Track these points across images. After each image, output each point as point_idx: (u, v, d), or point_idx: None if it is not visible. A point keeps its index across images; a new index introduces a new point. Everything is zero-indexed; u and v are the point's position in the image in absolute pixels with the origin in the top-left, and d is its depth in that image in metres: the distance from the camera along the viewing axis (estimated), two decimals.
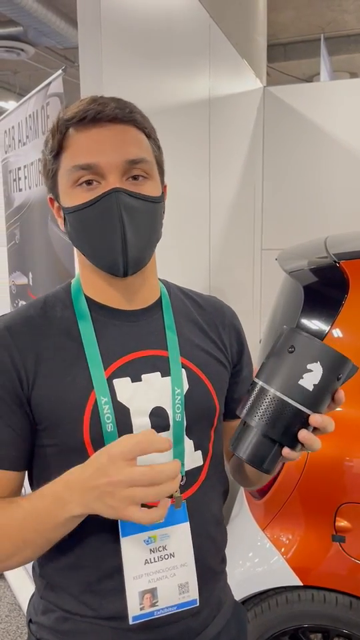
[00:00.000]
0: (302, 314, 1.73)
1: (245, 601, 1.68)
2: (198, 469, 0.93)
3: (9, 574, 2.65)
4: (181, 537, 0.88)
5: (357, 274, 1.71)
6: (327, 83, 3.91)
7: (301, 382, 0.74)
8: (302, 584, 1.60)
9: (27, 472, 0.92)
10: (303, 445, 0.77)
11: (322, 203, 3.30)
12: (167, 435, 0.90)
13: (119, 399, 0.86)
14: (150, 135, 0.90)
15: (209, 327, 1.01)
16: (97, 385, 0.85)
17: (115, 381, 0.87)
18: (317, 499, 1.62)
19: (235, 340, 1.04)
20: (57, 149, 0.87)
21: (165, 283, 1.03)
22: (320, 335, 1.67)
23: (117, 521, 0.85)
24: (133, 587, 0.84)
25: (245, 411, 0.79)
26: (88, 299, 0.93)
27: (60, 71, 1.73)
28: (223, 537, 1.02)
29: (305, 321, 1.73)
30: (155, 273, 0.99)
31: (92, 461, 0.76)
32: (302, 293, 1.76)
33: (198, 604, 0.89)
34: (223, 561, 1.02)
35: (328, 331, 1.67)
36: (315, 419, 0.75)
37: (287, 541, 1.65)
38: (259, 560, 1.67)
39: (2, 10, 5.45)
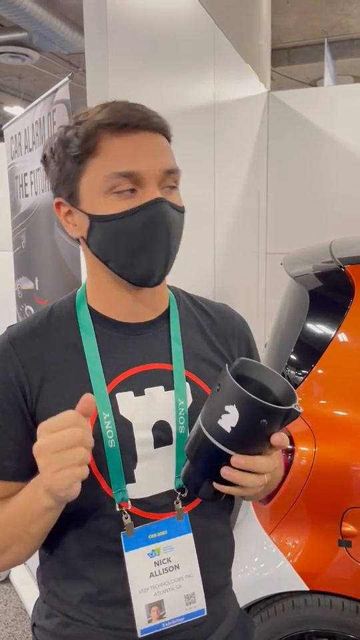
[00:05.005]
0: (307, 318, 1.73)
1: (251, 606, 1.68)
2: None
3: (14, 578, 2.65)
4: (184, 548, 0.88)
5: None
6: (331, 88, 3.92)
7: (219, 422, 0.72)
8: (308, 589, 1.60)
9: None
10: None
11: (327, 206, 3.31)
12: (170, 449, 0.89)
13: (121, 413, 0.86)
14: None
15: (217, 337, 0.99)
16: (99, 401, 0.84)
17: (118, 395, 0.87)
18: (323, 503, 1.62)
19: (244, 350, 1.01)
20: (85, 152, 0.82)
21: (174, 290, 1.01)
22: (325, 340, 1.68)
23: (120, 534, 0.85)
24: (140, 600, 0.84)
25: (186, 442, 0.80)
26: (92, 311, 0.91)
27: (66, 78, 1.74)
28: (228, 551, 0.99)
29: (311, 326, 1.73)
30: (165, 282, 0.96)
31: None
32: (307, 298, 1.76)
33: (205, 613, 0.89)
34: (228, 574, 1.00)
35: (333, 336, 1.67)
36: (236, 460, 0.73)
37: (293, 546, 1.65)
38: (265, 565, 1.67)
39: (7, 15, 5.48)
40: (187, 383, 0.91)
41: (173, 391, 0.90)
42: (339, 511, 1.58)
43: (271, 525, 1.69)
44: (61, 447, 0.70)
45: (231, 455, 0.73)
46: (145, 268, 0.84)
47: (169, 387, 0.90)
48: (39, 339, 0.88)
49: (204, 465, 0.76)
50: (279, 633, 1.64)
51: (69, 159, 0.84)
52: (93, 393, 0.85)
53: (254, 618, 1.66)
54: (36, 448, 0.72)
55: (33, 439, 0.83)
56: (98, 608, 0.87)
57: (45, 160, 0.89)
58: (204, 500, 0.83)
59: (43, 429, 0.73)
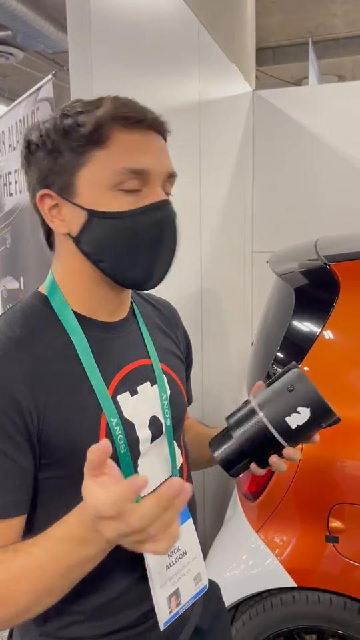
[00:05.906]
0: (293, 316, 1.74)
1: (240, 603, 1.68)
2: (182, 465, 0.97)
3: None
4: (188, 533, 0.91)
5: (347, 276, 1.72)
6: (315, 87, 3.93)
7: (287, 419, 0.83)
8: (296, 585, 1.61)
9: None
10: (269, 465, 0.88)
11: (312, 205, 3.32)
12: (161, 440, 0.91)
13: (125, 416, 0.85)
14: None
15: (167, 327, 1.04)
16: (105, 407, 0.83)
17: (119, 398, 0.86)
18: (311, 500, 1.63)
19: (184, 337, 1.10)
20: (91, 143, 0.77)
21: None
22: (311, 337, 1.68)
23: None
24: (161, 595, 0.85)
25: (232, 422, 0.88)
26: (74, 313, 0.86)
27: (50, 76, 1.73)
28: None
29: (296, 323, 1.74)
30: None
31: (85, 511, 0.66)
32: (293, 296, 1.76)
33: (208, 587, 0.94)
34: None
35: (319, 333, 1.68)
36: (288, 451, 0.86)
37: (281, 543, 1.65)
38: (253, 562, 1.68)
39: None
40: (163, 375, 0.94)
41: (156, 385, 0.92)
42: (326, 508, 1.59)
43: (259, 522, 1.69)
44: (126, 532, 0.63)
45: (283, 446, 0.85)
46: (143, 271, 0.81)
47: (153, 381, 0.92)
48: (28, 349, 0.80)
49: (253, 448, 0.86)
50: (268, 629, 1.65)
51: (68, 149, 0.78)
52: (97, 399, 0.83)
53: (243, 615, 1.67)
54: (111, 539, 0.64)
55: (35, 462, 0.80)
56: (113, 612, 0.87)
57: (28, 148, 0.82)
58: (230, 476, 0.91)
59: (97, 512, 0.63)
